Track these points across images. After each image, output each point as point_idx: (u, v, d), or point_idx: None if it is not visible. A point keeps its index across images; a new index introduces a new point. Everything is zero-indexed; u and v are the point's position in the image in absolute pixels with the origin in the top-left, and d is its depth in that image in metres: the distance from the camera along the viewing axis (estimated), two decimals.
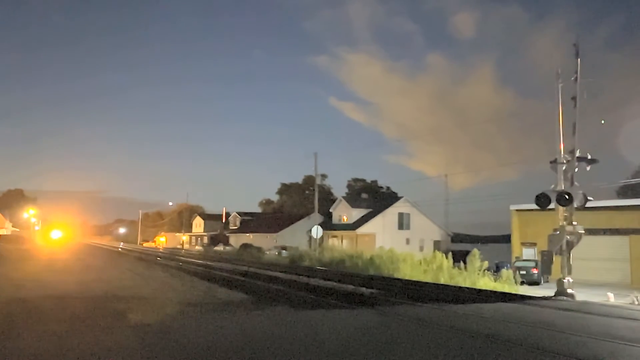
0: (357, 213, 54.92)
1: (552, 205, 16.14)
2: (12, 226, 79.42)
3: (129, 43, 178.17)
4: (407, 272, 24.49)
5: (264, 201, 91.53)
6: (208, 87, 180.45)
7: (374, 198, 64.30)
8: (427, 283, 20.40)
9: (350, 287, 17.75)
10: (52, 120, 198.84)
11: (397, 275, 23.74)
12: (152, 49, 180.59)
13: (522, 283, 23.82)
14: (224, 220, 79.29)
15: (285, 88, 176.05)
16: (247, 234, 68.43)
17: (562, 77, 16.81)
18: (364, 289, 16.95)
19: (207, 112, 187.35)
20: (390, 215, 52.51)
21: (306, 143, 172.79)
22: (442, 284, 20.36)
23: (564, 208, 16.07)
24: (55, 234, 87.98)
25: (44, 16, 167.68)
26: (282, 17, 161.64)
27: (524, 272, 26.77)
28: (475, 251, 24.19)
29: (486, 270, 23.24)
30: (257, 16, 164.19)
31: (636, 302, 16.64)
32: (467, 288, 18.73)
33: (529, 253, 32.52)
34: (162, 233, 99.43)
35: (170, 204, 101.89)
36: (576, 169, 16.17)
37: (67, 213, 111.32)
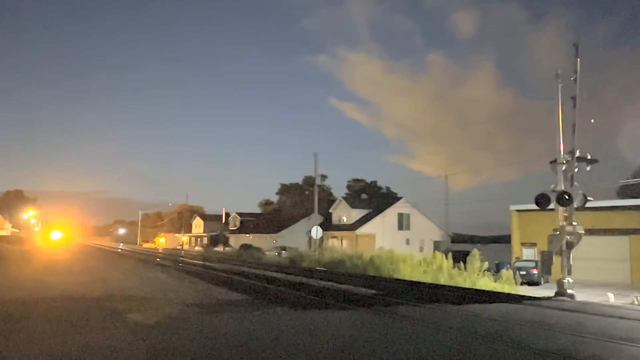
0: (356, 213, 54.92)
1: (552, 206, 16.13)
2: (12, 227, 79.36)
3: (129, 43, 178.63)
4: (407, 272, 24.47)
5: (263, 202, 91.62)
6: (207, 88, 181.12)
7: (374, 198, 64.31)
8: (427, 283, 20.38)
9: (350, 287, 17.74)
10: (51, 120, 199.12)
11: (397, 276, 23.71)
12: (152, 49, 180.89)
13: (522, 283, 23.82)
14: (223, 221, 79.26)
15: (285, 88, 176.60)
16: (247, 235, 68.43)
17: (562, 76, 16.81)
18: (363, 290, 16.93)
19: (207, 112, 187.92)
20: (390, 215, 52.52)
21: (306, 143, 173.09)
22: (442, 285, 20.33)
23: (564, 208, 16.06)
24: (55, 234, 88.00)
25: (44, 16, 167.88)
26: (280, 16, 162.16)
27: (524, 273, 26.76)
28: (475, 251, 24.18)
29: (486, 271, 23.23)
30: (256, 16, 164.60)
31: (636, 302, 16.63)
32: (467, 288, 18.71)
33: (529, 253, 32.52)
34: (162, 234, 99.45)
35: (170, 204, 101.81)
36: (576, 169, 16.16)
37: (67, 214, 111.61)
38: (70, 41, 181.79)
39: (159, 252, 58.86)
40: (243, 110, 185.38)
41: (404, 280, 21.44)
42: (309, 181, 75.26)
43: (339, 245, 49.71)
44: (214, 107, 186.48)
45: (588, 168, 16.23)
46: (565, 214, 16.21)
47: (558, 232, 16.05)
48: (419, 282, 20.67)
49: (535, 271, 27.28)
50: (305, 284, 18.58)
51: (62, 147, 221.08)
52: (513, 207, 35.07)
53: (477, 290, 18.28)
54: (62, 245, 65.93)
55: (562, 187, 16.20)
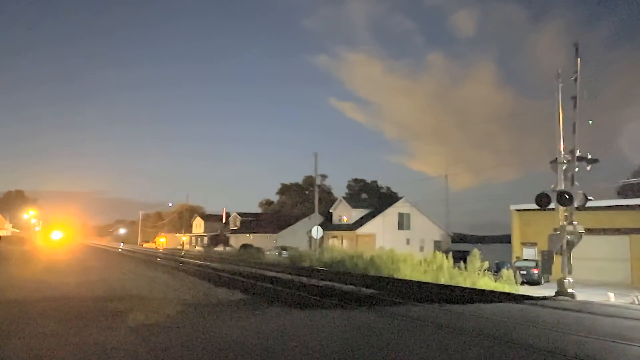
0: (357, 213, 54.92)
1: (552, 205, 16.14)
2: (13, 227, 79.33)
3: (128, 43, 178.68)
4: (408, 272, 24.46)
5: (264, 201, 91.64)
6: (207, 88, 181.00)
7: (374, 198, 64.32)
8: (427, 283, 20.38)
9: (351, 287, 17.75)
10: (52, 120, 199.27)
11: (397, 276, 23.71)
12: (152, 48, 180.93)
13: (523, 283, 23.81)
14: (224, 221, 79.27)
15: (285, 88, 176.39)
16: (248, 235, 68.43)
17: (562, 76, 16.81)
18: (364, 289, 16.94)
19: (207, 112, 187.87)
20: (390, 215, 52.50)
21: (306, 143, 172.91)
22: (442, 284, 20.34)
23: (565, 208, 16.07)
24: (55, 234, 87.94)
25: (44, 16, 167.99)
26: (280, 16, 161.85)
27: (525, 272, 26.75)
28: (476, 251, 24.17)
29: (486, 270, 23.22)
30: (255, 15, 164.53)
31: (636, 302, 16.64)
32: (468, 288, 18.71)
33: (529, 253, 32.49)
34: (162, 234, 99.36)
35: (170, 204, 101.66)
36: (576, 169, 16.16)
37: (68, 214, 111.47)
38: (70, 41, 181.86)
39: (160, 252, 58.88)
40: (243, 110, 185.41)
41: (405, 280, 21.44)
42: (309, 181, 75.28)
43: (340, 245, 49.68)
44: (214, 107, 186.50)
45: (588, 168, 16.24)
46: (566, 214, 16.22)
47: (558, 232, 16.06)
48: (419, 282, 20.67)
49: (535, 271, 27.27)
50: (305, 284, 18.59)
51: (62, 147, 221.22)
52: (513, 207, 35.05)
53: (477, 290, 18.28)
54: (63, 246, 65.94)
55: (562, 186, 16.21)
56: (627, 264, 28.19)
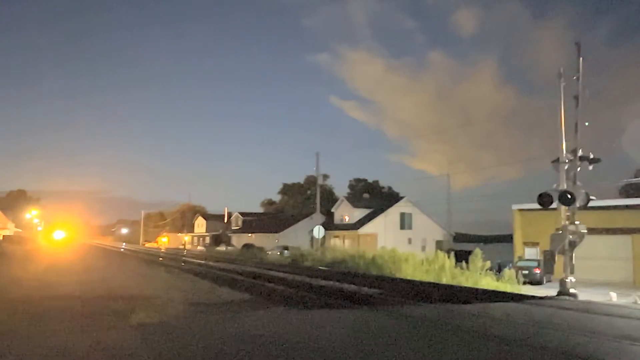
0: (358, 213, 54.92)
1: (554, 205, 16.11)
2: (15, 227, 79.56)
3: (129, 41, 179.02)
4: (409, 272, 24.46)
5: (265, 201, 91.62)
6: (209, 86, 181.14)
7: (376, 198, 64.34)
8: (429, 283, 20.37)
9: (352, 287, 17.73)
10: (53, 119, 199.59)
11: (399, 275, 23.70)
12: (152, 47, 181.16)
13: (525, 283, 23.79)
14: (226, 221, 79.35)
15: (286, 87, 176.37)
16: (249, 234, 68.49)
17: (565, 74, 16.79)
18: (365, 289, 16.92)
19: (209, 111, 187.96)
20: (392, 215, 52.50)
21: (307, 143, 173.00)
22: (444, 284, 20.33)
23: (567, 207, 16.04)
24: (58, 234, 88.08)
25: (45, 15, 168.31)
26: (281, 15, 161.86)
27: (527, 272, 26.73)
28: (478, 251, 24.15)
29: (488, 270, 23.21)
30: (256, 14, 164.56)
31: (639, 302, 16.61)
32: (470, 288, 18.69)
33: (531, 252, 32.46)
34: (165, 233, 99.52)
35: (173, 204, 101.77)
36: (578, 168, 16.13)
37: (70, 213, 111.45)
38: (71, 39, 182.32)
39: (162, 252, 58.94)
40: (244, 108, 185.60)
41: (407, 280, 21.43)
42: (311, 181, 75.25)
43: (341, 244, 49.70)
44: (215, 106, 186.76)
45: (590, 167, 16.21)
46: (568, 213, 16.19)
47: (560, 232, 16.03)
48: (421, 282, 20.66)
49: (537, 270, 27.25)
50: (307, 284, 18.59)
51: (64, 146, 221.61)
52: (515, 207, 35.01)
53: (479, 289, 18.24)
54: (65, 245, 66.06)
55: (564, 186, 16.18)
56: (629, 263, 28.15)
